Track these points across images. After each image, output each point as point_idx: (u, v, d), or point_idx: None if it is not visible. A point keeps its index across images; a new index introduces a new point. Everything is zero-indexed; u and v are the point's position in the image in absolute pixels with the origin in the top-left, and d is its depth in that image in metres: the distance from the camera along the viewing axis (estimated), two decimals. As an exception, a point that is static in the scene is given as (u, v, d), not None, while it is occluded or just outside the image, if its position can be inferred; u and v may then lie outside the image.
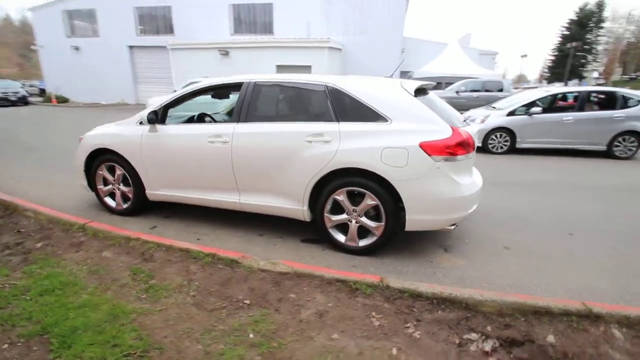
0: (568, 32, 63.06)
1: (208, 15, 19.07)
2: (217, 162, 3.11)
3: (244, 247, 3.04)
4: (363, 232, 2.89)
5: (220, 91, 3.49)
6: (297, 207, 2.99)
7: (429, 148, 2.55)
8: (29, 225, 3.34)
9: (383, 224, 2.77)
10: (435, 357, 1.79)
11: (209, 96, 3.67)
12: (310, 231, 3.33)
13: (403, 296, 2.24)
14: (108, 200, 3.80)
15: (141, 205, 3.67)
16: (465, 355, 1.82)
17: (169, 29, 20.40)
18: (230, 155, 3.04)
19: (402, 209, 2.71)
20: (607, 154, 7.01)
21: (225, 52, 16.06)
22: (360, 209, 2.81)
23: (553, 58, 66.10)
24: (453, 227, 2.77)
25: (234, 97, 4.27)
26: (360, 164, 2.67)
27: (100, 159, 3.64)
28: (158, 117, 3.32)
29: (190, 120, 3.80)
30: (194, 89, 3.34)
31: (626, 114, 6.74)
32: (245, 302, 2.17)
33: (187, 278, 2.43)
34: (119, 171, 3.59)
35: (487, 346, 1.89)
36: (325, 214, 2.92)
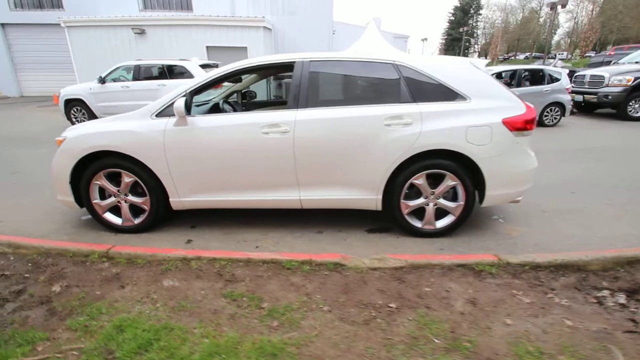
0: (454, 18, 71.49)
1: (107, -14, 16.08)
2: (275, 155, 2.69)
3: (316, 247, 2.75)
4: (438, 214, 2.86)
5: (263, 72, 3.00)
6: (371, 197, 2.79)
7: (510, 124, 2.61)
8: (13, 265, 2.45)
9: (462, 203, 2.78)
10: (597, 318, 1.89)
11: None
12: (369, 221, 3.18)
13: (525, 270, 2.30)
14: (109, 217, 3.01)
15: (159, 217, 3.00)
16: (612, 311, 1.96)
17: (56, 3, 16.64)
18: (292, 147, 2.66)
19: (480, 186, 2.76)
20: (538, 123, 8.27)
21: (140, 31, 13.82)
22: (440, 191, 2.76)
23: (443, 41, 74.35)
24: (520, 198, 2.93)
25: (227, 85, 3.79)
26: (445, 145, 2.60)
27: (97, 166, 2.83)
28: (187, 107, 2.69)
29: (215, 109, 3.19)
30: (230, 70, 2.77)
31: (552, 88, 8.00)
32: (390, 305, 1.96)
33: (301, 292, 2.08)
34: (128, 178, 2.85)
35: (621, 299, 2.07)
36: (402, 200, 2.80)
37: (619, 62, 10.39)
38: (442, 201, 2.81)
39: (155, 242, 2.86)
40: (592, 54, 29.57)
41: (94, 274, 2.31)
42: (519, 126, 2.63)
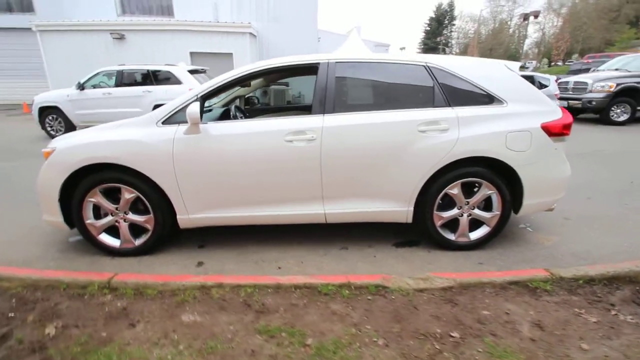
0: (429, 28, 73.85)
1: (81, -10, 15.35)
2: (299, 166, 2.43)
3: (345, 266, 2.50)
4: (471, 225, 2.68)
5: (283, 74, 2.74)
6: (401, 209, 2.58)
7: (549, 129, 2.47)
8: (-8, 301, 2.05)
9: (499, 213, 2.61)
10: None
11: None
12: (393, 233, 2.96)
13: (579, 284, 2.13)
14: (105, 238, 2.64)
15: (163, 237, 2.66)
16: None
17: (27, 6, 15.70)
18: (319, 156, 2.41)
19: (516, 194, 2.60)
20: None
21: (119, 36, 13.19)
22: (475, 201, 2.58)
23: (419, 51, 76.65)
24: (555, 206, 2.80)
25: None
26: (485, 152, 2.43)
27: (92, 180, 2.47)
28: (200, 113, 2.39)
29: (225, 116, 2.89)
30: (246, 72, 2.49)
31: (546, 92, 8.15)
32: (452, 335, 1.73)
33: (347, 323, 1.81)
34: (129, 194, 2.50)
35: (686, 314, 1.93)
36: (435, 212, 2.59)
37: (598, 69, 10.79)
38: (476, 211, 2.62)
39: (161, 266, 2.52)
40: (560, 62, 31.08)
41: (95, 310, 1.96)
42: (557, 131, 2.49)
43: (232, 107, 3.03)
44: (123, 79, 8.14)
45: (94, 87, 8.16)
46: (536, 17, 27.60)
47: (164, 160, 2.40)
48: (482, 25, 62.76)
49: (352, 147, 2.42)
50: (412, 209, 2.58)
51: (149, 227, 2.59)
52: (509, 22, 61.92)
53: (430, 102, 2.48)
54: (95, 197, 2.52)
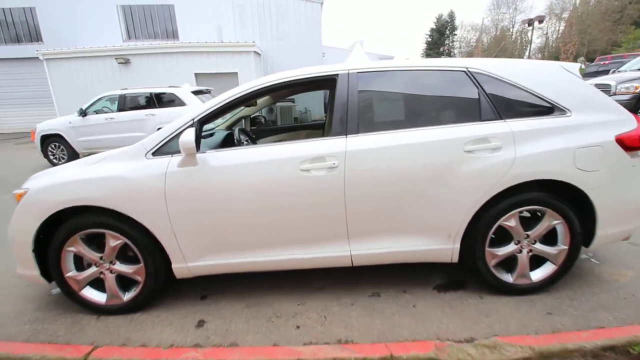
0: (431, 39, 74.47)
1: (89, 18, 15.52)
2: (318, 199, 1.99)
3: (381, 321, 2.01)
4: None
5: (294, 89, 2.34)
6: (445, 246, 2.10)
7: (624, 142, 1.99)
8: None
9: (566, 247, 2.11)
10: None
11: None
12: (428, 271, 2.47)
13: (700, 348, 1.61)
14: (89, 294, 2.21)
15: (157, 289, 2.22)
16: None
17: (35, 36, 15.94)
18: (343, 186, 1.96)
19: (587, 223, 2.10)
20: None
21: (125, 60, 13.18)
22: (538, 234, 2.09)
23: (423, 61, 76.09)
24: (629, 236, 2.28)
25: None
26: (550, 174, 1.95)
27: (72, 226, 2.05)
28: (197, 141, 1.97)
29: (227, 141, 2.48)
30: (252, 89, 2.08)
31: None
32: None
33: None
34: (115, 241, 2.08)
35: None
36: (487, 249, 2.11)
37: (619, 70, 10.27)
38: (539, 246, 2.13)
39: (154, 327, 2.06)
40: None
41: (63, 404, 1.50)
42: (635, 144, 2.01)
43: (236, 131, 2.62)
44: (126, 103, 7.92)
45: (97, 112, 7.94)
46: (540, 22, 27.22)
47: (155, 199, 1.98)
48: (484, 33, 62.85)
49: (383, 174, 1.97)
50: (458, 245, 2.10)
51: (139, 278, 2.15)
52: (510, 29, 61.89)
53: (475, 115, 2.03)
54: (76, 246, 2.10)
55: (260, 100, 3.26)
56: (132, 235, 2.05)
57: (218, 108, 2.08)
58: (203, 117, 2.06)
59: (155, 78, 13.08)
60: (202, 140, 2.30)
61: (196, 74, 13.50)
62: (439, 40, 69.77)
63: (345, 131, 2.00)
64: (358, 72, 2.09)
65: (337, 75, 2.08)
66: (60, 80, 13.22)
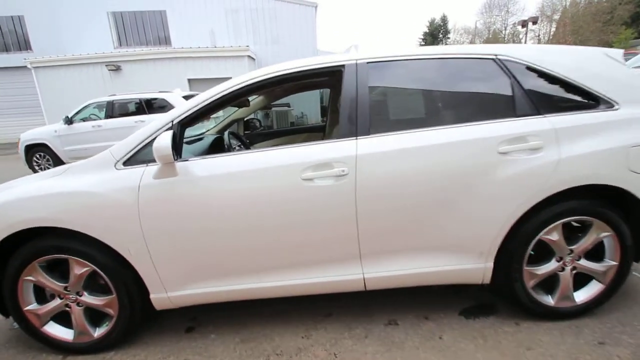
0: (424, 43, 74.97)
1: (79, 26, 15.17)
2: (324, 215, 1.65)
3: (402, 358, 1.67)
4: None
5: (291, 85, 2.03)
6: (475, 266, 1.77)
7: (686, 138, 1.69)
8: None
9: (616, 263, 1.79)
10: None
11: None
12: (452, 293, 2.14)
13: None
14: (52, 330, 1.85)
15: (134, 323, 1.86)
16: None
17: (24, 45, 15.55)
18: (354, 198, 1.63)
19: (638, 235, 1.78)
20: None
21: (115, 67, 12.83)
22: (583, 249, 1.77)
23: (418, 64, 76.96)
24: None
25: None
26: (601, 178, 1.64)
27: (28, 252, 1.70)
28: (176, 147, 1.64)
29: (216, 147, 2.15)
30: (241, 85, 1.75)
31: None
32: None
33: None
34: (80, 268, 1.73)
35: None
36: (525, 267, 1.78)
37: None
38: (584, 262, 1.80)
39: (130, 374, 1.71)
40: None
41: None
42: (696, 141, 1.71)
43: (226, 135, 2.28)
44: (114, 110, 7.57)
45: (84, 120, 7.59)
46: (534, 23, 27.28)
47: (126, 218, 1.64)
48: (476, 36, 63.29)
49: (401, 182, 1.64)
50: (491, 265, 1.77)
51: (112, 312, 1.80)
52: (502, 32, 62.34)
53: (509, 110, 1.71)
54: (35, 275, 1.75)
55: (253, 102, 2.94)
56: (100, 262, 1.71)
57: (203, 107, 1.75)
58: (184, 117, 1.73)
59: (147, 85, 12.72)
60: (186, 146, 1.97)
61: (189, 80, 13.17)
62: (433, 44, 70.15)
63: (355, 132, 1.68)
64: (368, 62, 1.76)
65: (343, 66, 1.76)
66: (49, 89, 12.85)
